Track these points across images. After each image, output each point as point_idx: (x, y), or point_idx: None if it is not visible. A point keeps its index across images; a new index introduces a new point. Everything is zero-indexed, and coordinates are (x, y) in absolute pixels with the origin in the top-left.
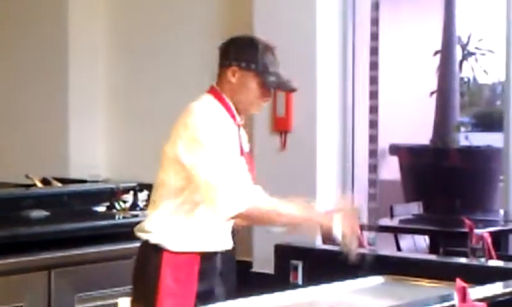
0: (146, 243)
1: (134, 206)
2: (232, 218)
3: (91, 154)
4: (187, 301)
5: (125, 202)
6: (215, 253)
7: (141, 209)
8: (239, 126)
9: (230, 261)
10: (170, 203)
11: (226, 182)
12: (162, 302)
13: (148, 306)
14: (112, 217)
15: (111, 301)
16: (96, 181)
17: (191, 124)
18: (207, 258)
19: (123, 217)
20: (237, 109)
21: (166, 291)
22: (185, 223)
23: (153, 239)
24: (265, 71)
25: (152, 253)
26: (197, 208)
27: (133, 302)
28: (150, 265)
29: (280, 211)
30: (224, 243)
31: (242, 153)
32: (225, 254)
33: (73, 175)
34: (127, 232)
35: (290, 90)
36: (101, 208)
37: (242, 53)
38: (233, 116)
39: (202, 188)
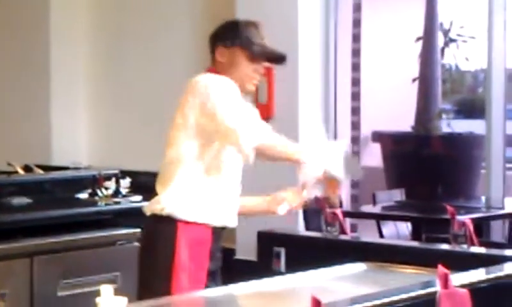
0: (158, 217)
1: (117, 193)
2: (254, 151)
3: (73, 141)
4: (200, 278)
5: (107, 189)
6: (222, 229)
7: (124, 196)
8: None
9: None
10: (185, 174)
11: (244, 120)
12: (177, 275)
13: (162, 281)
14: (95, 204)
15: (94, 288)
16: (79, 168)
17: (201, 86)
18: (216, 233)
19: (106, 204)
20: None
21: (182, 268)
22: (198, 195)
23: (168, 209)
24: (249, 44)
25: (165, 226)
26: (210, 179)
27: (141, 287)
28: (163, 239)
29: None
30: (232, 219)
31: None
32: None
33: (55, 162)
34: (109, 219)
35: (278, 58)
36: (83, 195)
37: (226, 33)
38: None
39: (223, 133)
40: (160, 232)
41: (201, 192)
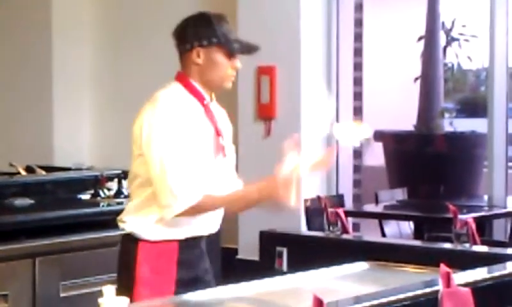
0: (123, 232)
1: (119, 193)
2: (178, 215)
3: (75, 142)
4: (166, 290)
5: (109, 190)
6: (196, 238)
7: (126, 196)
8: (207, 106)
9: (214, 245)
10: (143, 193)
11: (169, 185)
12: (139, 291)
13: (127, 296)
14: (97, 204)
15: (96, 289)
16: (81, 169)
17: (148, 116)
18: (187, 245)
19: (108, 205)
20: (210, 88)
21: (143, 280)
22: (157, 211)
23: (128, 228)
24: (227, 41)
25: (128, 243)
26: None
27: (117, 291)
28: (127, 255)
29: (223, 199)
30: (207, 227)
31: (217, 132)
32: (210, 238)
33: (58, 163)
34: (111, 220)
35: (254, 51)
36: (85, 196)
37: (200, 31)
38: (200, 99)
39: (156, 187)
40: (123, 247)
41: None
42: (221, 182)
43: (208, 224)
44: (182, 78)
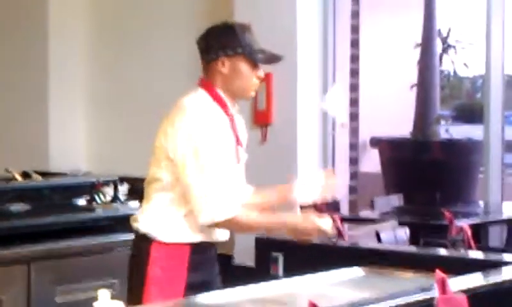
0: (137, 233)
1: (115, 199)
2: (212, 226)
3: (71, 147)
4: (176, 292)
5: (105, 195)
6: (209, 244)
7: (122, 202)
8: (232, 116)
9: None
10: (162, 196)
11: (210, 192)
12: (149, 291)
13: (137, 295)
14: (93, 210)
15: (92, 294)
16: (77, 175)
17: (182, 123)
18: (199, 249)
19: (104, 210)
20: (233, 97)
21: (154, 281)
22: (176, 216)
23: (143, 229)
24: (252, 51)
25: (142, 243)
26: (188, 203)
27: (128, 293)
28: (140, 255)
29: (259, 222)
30: (219, 234)
31: (238, 142)
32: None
33: (54, 169)
34: (107, 225)
35: (277, 60)
36: (82, 202)
37: (224, 41)
38: (225, 108)
39: (188, 193)
40: (136, 247)
41: (177, 213)
42: (239, 190)
43: (220, 231)
44: (207, 86)
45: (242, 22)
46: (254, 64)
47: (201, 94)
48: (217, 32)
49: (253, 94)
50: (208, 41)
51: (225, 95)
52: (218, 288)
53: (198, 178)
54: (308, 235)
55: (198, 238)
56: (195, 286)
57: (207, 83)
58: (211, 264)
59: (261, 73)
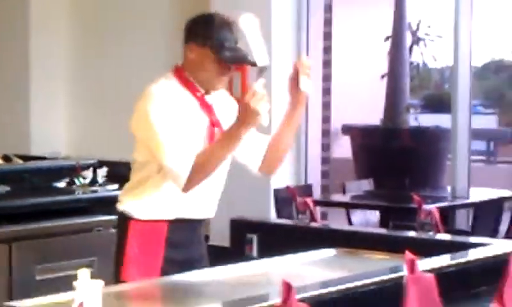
0: (118, 212)
1: (94, 182)
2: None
3: (51, 131)
4: (153, 269)
5: (84, 178)
6: (188, 221)
7: (100, 185)
8: (201, 99)
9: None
10: (138, 175)
11: (174, 163)
12: (127, 269)
13: (117, 273)
14: (72, 192)
15: (71, 272)
16: (57, 158)
17: (140, 106)
18: (177, 226)
19: (83, 193)
20: (200, 85)
21: (132, 259)
22: (152, 193)
23: (121, 208)
24: (220, 47)
25: (121, 222)
26: (163, 180)
27: (114, 269)
28: (119, 233)
29: (205, 152)
30: (199, 211)
31: (212, 123)
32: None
33: (34, 152)
34: (86, 207)
35: (249, 64)
36: (61, 184)
37: (198, 30)
38: (193, 91)
39: (162, 164)
40: (118, 226)
41: (153, 190)
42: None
43: (200, 208)
44: (177, 71)
45: (228, 18)
46: (219, 61)
47: (168, 78)
48: (196, 20)
49: (220, 86)
50: (187, 26)
51: (194, 80)
52: (202, 267)
53: (162, 154)
54: (251, 117)
55: (174, 214)
56: (174, 264)
57: (177, 68)
58: (192, 242)
59: (228, 70)
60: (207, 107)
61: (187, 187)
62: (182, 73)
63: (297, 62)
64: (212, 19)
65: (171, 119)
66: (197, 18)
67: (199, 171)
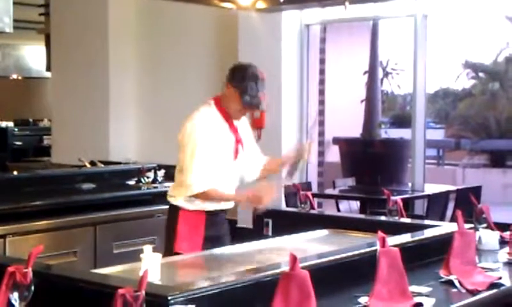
0: (169, 204)
1: (155, 180)
2: (194, 196)
3: (125, 143)
4: (197, 243)
5: (148, 177)
6: (218, 211)
7: (159, 182)
8: (231, 123)
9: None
10: (179, 178)
11: (193, 174)
12: (179, 244)
13: (170, 247)
14: (139, 188)
15: (139, 247)
16: (128, 163)
17: (186, 126)
18: (211, 214)
19: (147, 188)
20: (229, 114)
21: (181, 237)
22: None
23: (173, 202)
24: (243, 93)
25: (172, 211)
26: None
27: (165, 246)
28: (171, 219)
29: (221, 195)
30: (224, 205)
31: (237, 141)
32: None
33: (112, 158)
34: (149, 199)
35: (258, 110)
36: (131, 182)
37: (235, 75)
38: (226, 117)
39: (184, 172)
40: (169, 213)
41: None
42: (236, 175)
43: (224, 203)
44: (216, 99)
45: (258, 72)
46: (240, 101)
47: (209, 105)
48: (237, 67)
49: (239, 119)
50: (231, 68)
51: (226, 109)
52: (228, 241)
53: (188, 164)
54: (256, 203)
55: (209, 207)
56: (210, 239)
57: (217, 97)
58: (221, 225)
59: (245, 110)
60: (234, 129)
61: (196, 196)
62: (219, 102)
63: (299, 150)
64: (246, 70)
65: (203, 143)
66: (238, 65)
67: (207, 198)
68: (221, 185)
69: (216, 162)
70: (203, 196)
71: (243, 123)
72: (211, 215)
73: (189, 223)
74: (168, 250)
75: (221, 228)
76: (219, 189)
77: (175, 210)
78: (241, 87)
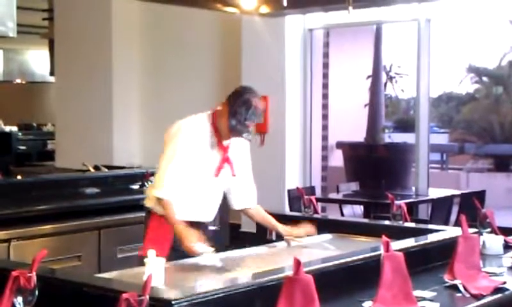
0: (144, 206)
1: None
2: (156, 199)
3: (128, 148)
4: (163, 249)
5: (152, 182)
6: (190, 222)
7: None
8: (219, 139)
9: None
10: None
11: (161, 177)
12: (145, 248)
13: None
14: (143, 192)
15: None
16: (132, 167)
17: (170, 134)
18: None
19: None
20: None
21: (149, 240)
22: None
23: (147, 204)
24: (232, 116)
25: (146, 213)
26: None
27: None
28: (145, 221)
29: (170, 217)
30: (199, 216)
31: (224, 159)
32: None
33: (116, 163)
34: None
35: (241, 137)
36: (135, 186)
37: (233, 98)
38: (216, 133)
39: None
40: (145, 215)
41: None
42: (217, 193)
43: (200, 215)
44: (213, 113)
45: (255, 101)
46: (229, 124)
47: (204, 117)
48: (239, 88)
49: (226, 139)
50: (234, 90)
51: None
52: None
53: (161, 165)
54: (188, 249)
55: (181, 217)
56: (177, 252)
57: (215, 111)
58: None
59: (228, 132)
60: (222, 146)
61: (158, 201)
62: (215, 117)
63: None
64: (242, 94)
65: (181, 150)
66: (241, 86)
67: (162, 206)
68: (196, 198)
69: (190, 174)
70: (160, 202)
71: (241, 148)
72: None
73: (158, 228)
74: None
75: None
76: (173, 207)
77: (147, 212)
78: (232, 110)
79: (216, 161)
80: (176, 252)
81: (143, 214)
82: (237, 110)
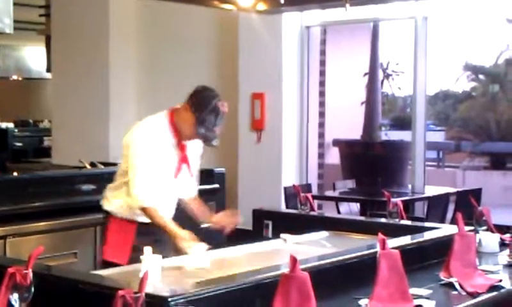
0: (102, 209)
1: None
2: (140, 209)
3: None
4: (124, 252)
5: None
6: (149, 224)
7: None
8: (179, 139)
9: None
10: (120, 180)
11: (138, 185)
12: (107, 251)
13: (101, 250)
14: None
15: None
16: None
17: (131, 136)
18: (145, 225)
19: None
20: (180, 132)
21: (110, 244)
22: (127, 199)
23: (105, 206)
24: (201, 124)
25: (105, 216)
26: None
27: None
28: (104, 223)
29: (160, 222)
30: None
31: (183, 159)
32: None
33: (112, 159)
34: None
35: (209, 144)
36: None
37: (198, 101)
38: (175, 133)
39: (129, 183)
40: (103, 218)
41: (129, 196)
42: (175, 194)
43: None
44: (171, 113)
45: (221, 106)
46: (194, 130)
47: (161, 116)
48: (202, 92)
49: (187, 142)
50: (196, 90)
51: (177, 126)
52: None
53: (132, 173)
54: (182, 248)
55: (140, 219)
56: (141, 248)
57: (172, 111)
58: (156, 232)
59: (195, 138)
60: (181, 146)
61: (142, 210)
62: (173, 117)
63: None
64: (210, 101)
65: (148, 153)
66: (203, 91)
67: (151, 218)
68: (159, 201)
69: (157, 177)
70: (144, 211)
71: (196, 146)
72: (144, 226)
73: (118, 231)
74: (101, 253)
75: (157, 234)
76: (159, 211)
77: (106, 214)
78: (200, 118)
79: (174, 161)
80: (138, 252)
81: None
82: (206, 119)
